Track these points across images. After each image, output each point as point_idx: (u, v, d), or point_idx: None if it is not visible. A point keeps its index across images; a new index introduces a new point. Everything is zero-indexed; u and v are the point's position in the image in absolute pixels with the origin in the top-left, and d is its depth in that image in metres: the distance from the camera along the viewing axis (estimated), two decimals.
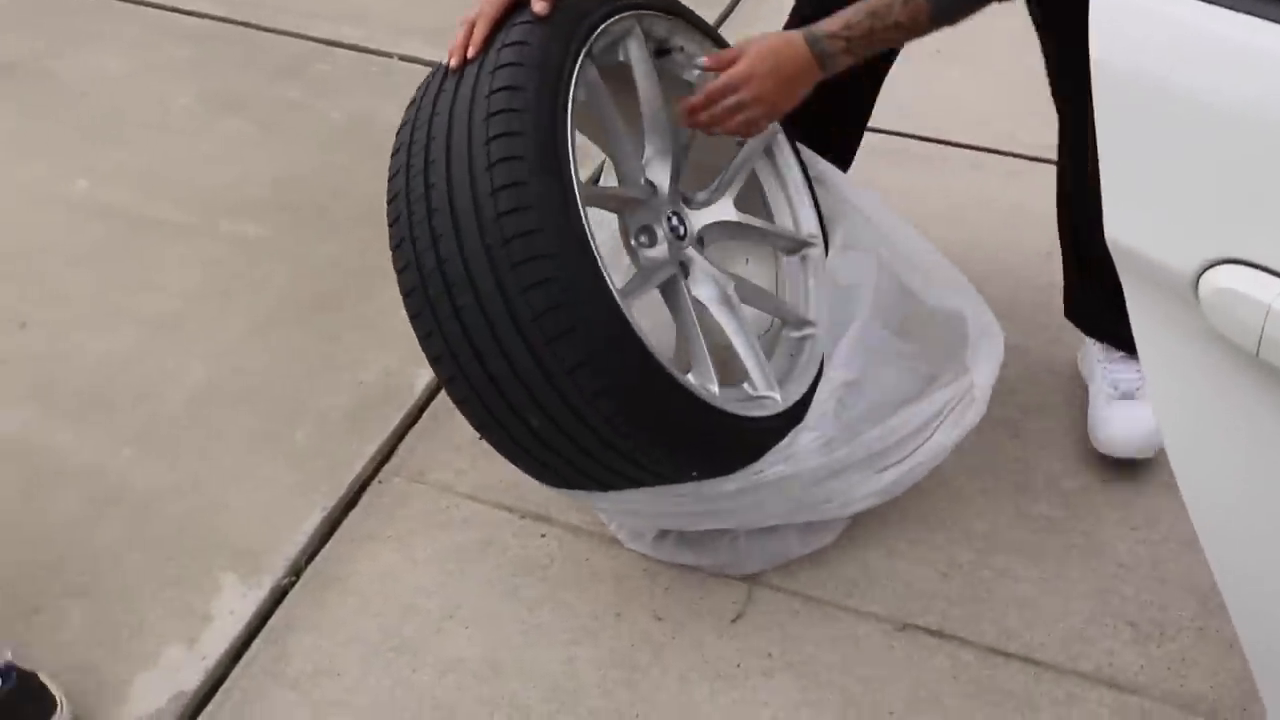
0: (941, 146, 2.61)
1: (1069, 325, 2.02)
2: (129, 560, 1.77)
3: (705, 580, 1.74)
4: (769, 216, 1.81)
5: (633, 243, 1.60)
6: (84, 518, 1.83)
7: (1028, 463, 1.93)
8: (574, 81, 1.39)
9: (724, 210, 1.71)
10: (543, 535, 1.80)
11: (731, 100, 1.56)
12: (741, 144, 1.75)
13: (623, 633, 1.67)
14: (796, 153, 1.83)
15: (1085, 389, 1.99)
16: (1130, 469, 1.88)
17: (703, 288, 1.62)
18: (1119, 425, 1.86)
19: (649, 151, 1.60)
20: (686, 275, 1.61)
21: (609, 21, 1.49)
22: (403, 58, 2.95)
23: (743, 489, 1.57)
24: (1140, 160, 0.90)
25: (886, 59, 1.92)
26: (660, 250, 1.59)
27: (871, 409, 1.70)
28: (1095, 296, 1.93)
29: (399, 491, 1.87)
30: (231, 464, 1.92)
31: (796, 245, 1.81)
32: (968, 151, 2.59)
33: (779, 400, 1.61)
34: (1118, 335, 1.84)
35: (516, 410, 1.39)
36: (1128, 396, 1.87)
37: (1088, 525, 1.83)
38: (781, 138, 1.80)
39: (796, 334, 1.76)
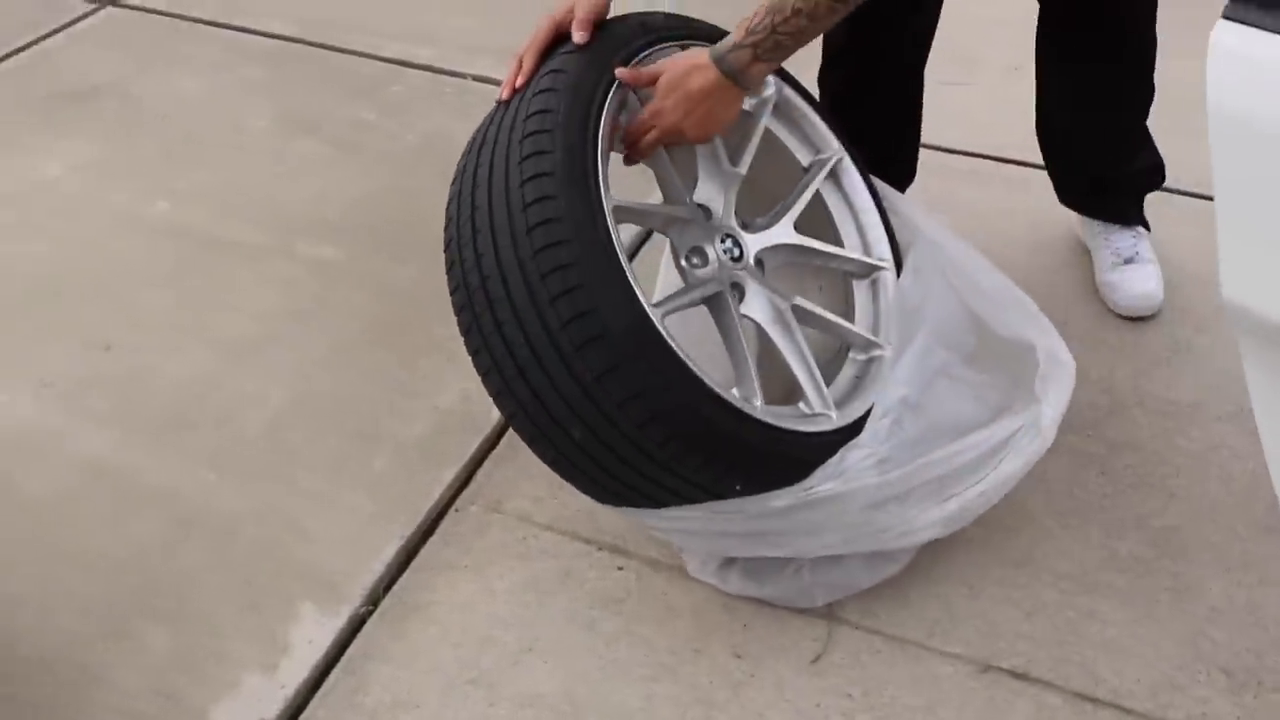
0: (1021, 168, 2.56)
1: (1161, 358, 1.98)
2: (209, 585, 1.78)
3: (784, 616, 1.72)
4: (838, 241, 1.79)
5: (683, 263, 1.62)
6: (165, 541, 1.85)
7: (1115, 500, 1.88)
8: (606, 104, 1.47)
9: (783, 234, 1.70)
10: (620, 568, 1.79)
11: (651, 137, 1.56)
12: (807, 169, 1.78)
13: (701, 669, 1.65)
14: (866, 178, 1.82)
15: (1171, 425, 1.97)
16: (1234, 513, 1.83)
17: (756, 308, 1.62)
18: (1127, 289, 2.15)
19: (701, 175, 1.64)
20: (742, 296, 1.62)
21: (649, 51, 1.57)
22: (475, 78, 2.96)
23: (792, 506, 1.55)
24: (1263, 218, 0.87)
25: (919, 44, 1.97)
26: (710, 270, 1.61)
27: (932, 431, 1.66)
28: (1080, 185, 2.22)
29: (476, 520, 1.87)
30: (309, 490, 1.94)
31: (865, 269, 1.79)
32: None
33: (833, 418, 1.60)
34: (1107, 210, 2.20)
35: (559, 422, 1.43)
36: (1130, 261, 2.16)
37: (1178, 566, 1.78)
38: (847, 162, 1.80)
39: (863, 356, 1.74)
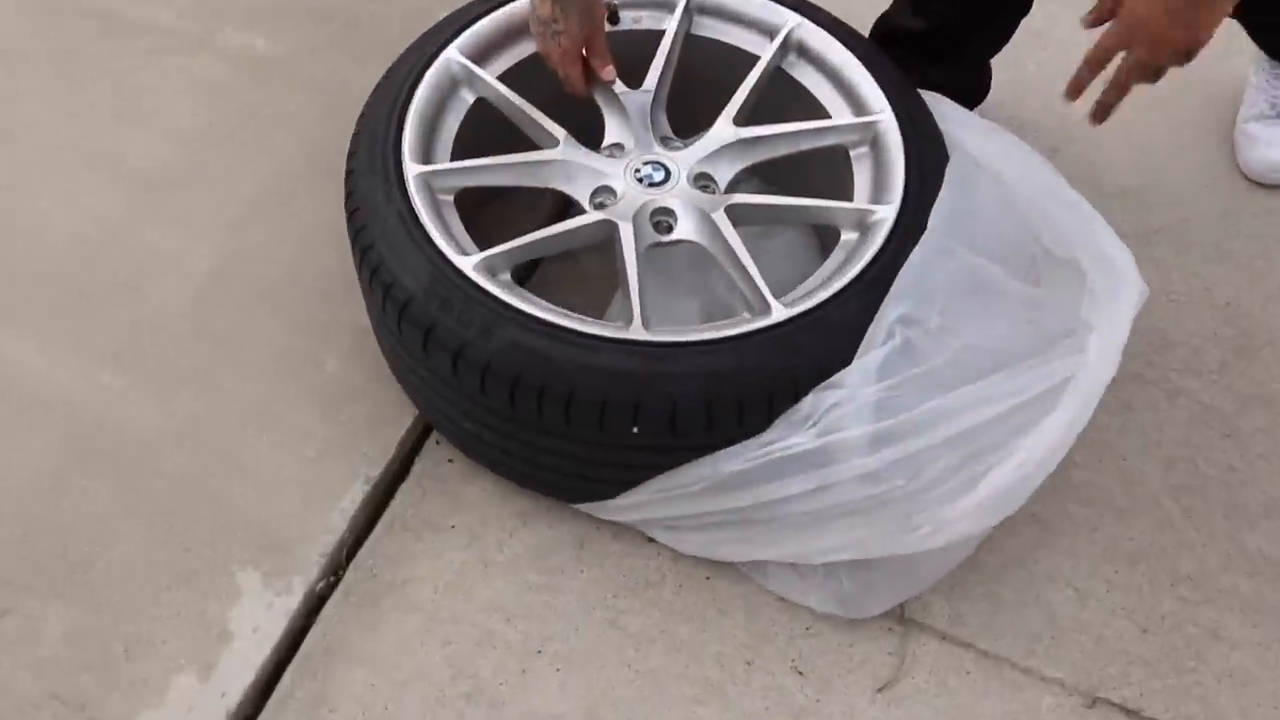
0: None
1: None
2: (118, 543, 1.38)
3: (855, 623, 1.39)
4: (822, 114, 1.51)
5: (589, 207, 1.42)
6: (54, 479, 1.42)
7: (1243, 475, 1.56)
8: (421, 80, 1.45)
9: (721, 135, 1.46)
10: (650, 540, 1.42)
11: (1129, 62, 1.25)
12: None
13: (754, 687, 1.33)
14: (845, 33, 1.53)
15: None
16: None
17: (687, 227, 1.40)
18: (1265, 148, 1.80)
19: (605, 113, 1.49)
20: (674, 224, 1.40)
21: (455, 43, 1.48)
22: None
23: (752, 472, 1.25)
24: None
25: None
26: (620, 206, 1.40)
27: (957, 366, 1.28)
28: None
29: (461, 457, 1.47)
30: (243, 400, 1.50)
31: (857, 132, 1.46)
32: None
33: (776, 310, 1.28)
34: None
35: (452, 419, 1.38)
36: None
37: None
38: (809, 26, 1.53)
39: (853, 234, 1.39)
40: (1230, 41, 1.79)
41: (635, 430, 1.23)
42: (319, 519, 1.40)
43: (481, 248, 1.32)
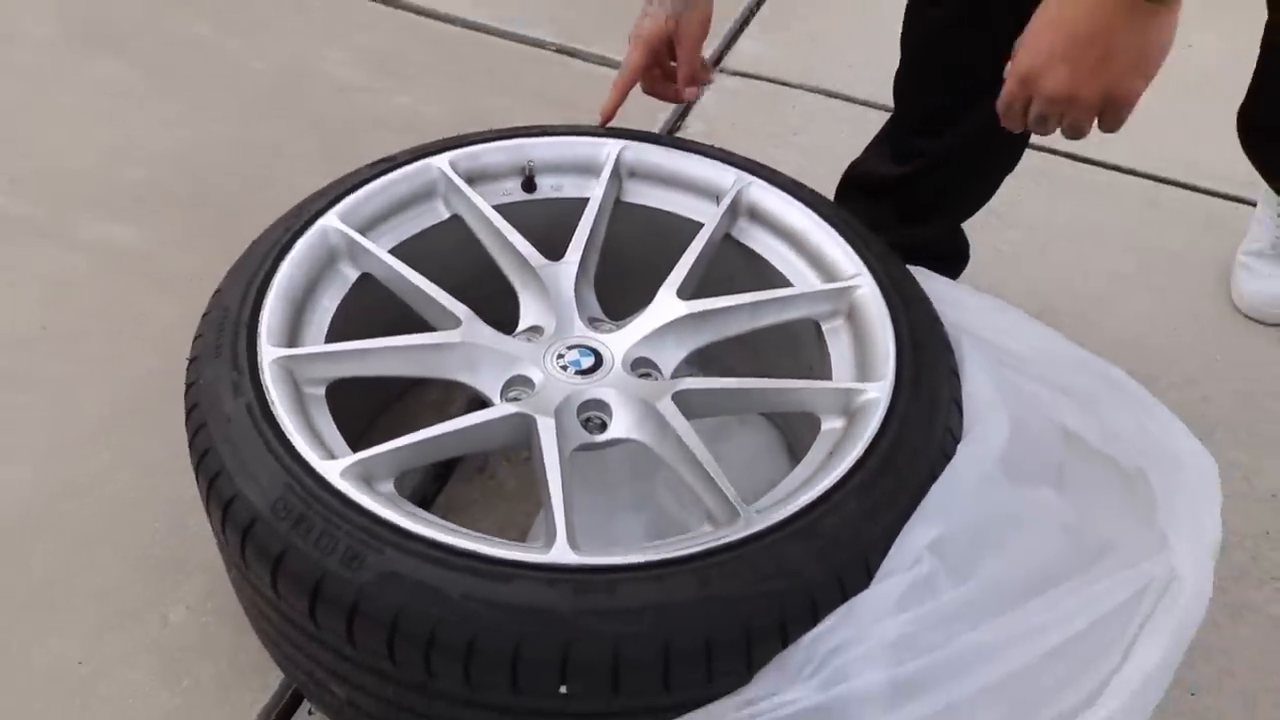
0: (1108, 172, 1.90)
1: None
2: None
3: None
4: (784, 284, 1.27)
5: (498, 401, 1.14)
6: None
7: None
8: (284, 256, 1.18)
9: (664, 312, 1.20)
10: None
11: (1034, 112, 1.06)
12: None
13: None
14: (801, 191, 1.30)
15: None
16: None
17: (624, 423, 1.12)
18: (1262, 283, 1.67)
19: (518, 288, 1.25)
20: (608, 419, 1.13)
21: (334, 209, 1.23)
22: None
23: None
24: None
25: None
26: (542, 397, 1.12)
27: (992, 596, 1.00)
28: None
29: None
30: (53, 673, 1.15)
31: (831, 300, 1.22)
32: (1144, 182, 1.88)
33: (745, 518, 0.99)
34: None
35: (318, 680, 1.03)
36: None
37: None
38: (760, 185, 1.30)
39: (839, 421, 1.12)
40: None
41: (563, 690, 0.90)
42: None
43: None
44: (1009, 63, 1.08)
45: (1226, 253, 1.74)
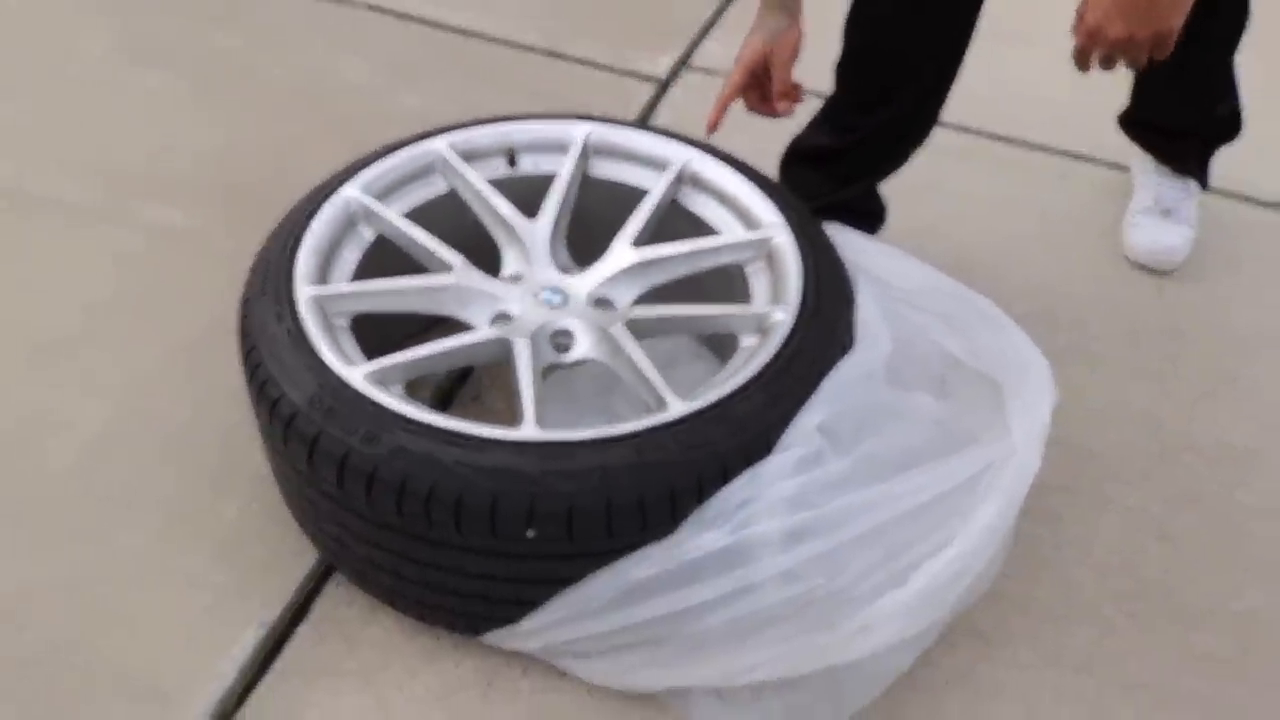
0: (1024, 149, 2.16)
1: (1205, 390, 1.64)
2: None
3: None
4: (713, 231, 1.54)
5: (489, 329, 1.41)
6: None
7: (1181, 577, 1.50)
8: (313, 216, 1.44)
9: (620, 259, 1.47)
10: (563, 675, 1.33)
11: (1101, 55, 1.32)
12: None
13: None
14: (738, 165, 1.56)
15: (1230, 476, 1.63)
16: None
17: (585, 346, 1.40)
18: (1150, 237, 1.93)
19: (501, 245, 1.51)
20: (571, 343, 1.41)
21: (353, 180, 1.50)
22: (370, 6, 2.42)
23: (663, 577, 1.19)
24: None
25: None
26: (519, 324, 1.40)
27: (867, 468, 1.26)
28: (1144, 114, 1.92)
29: (364, 600, 1.39)
30: (130, 552, 1.43)
31: (752, 247, 1.48)
32: (1055, 158, 2.15)
33: (671, 406, 1.26)
34: (1166, 149, 1.94)
35: (344, 543, 1.31)
36: (1168, 214, 1.94)
37: (1273, 667, 1.41)
38: (701, 160, 1.56)
39: (753, 338, 1.38)
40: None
41: (531, 534, 1.17)
42: (207, 667, 1.31)
43: None
44: (1076, 22, 1.33)
45: (1122, 217, 2.00)
